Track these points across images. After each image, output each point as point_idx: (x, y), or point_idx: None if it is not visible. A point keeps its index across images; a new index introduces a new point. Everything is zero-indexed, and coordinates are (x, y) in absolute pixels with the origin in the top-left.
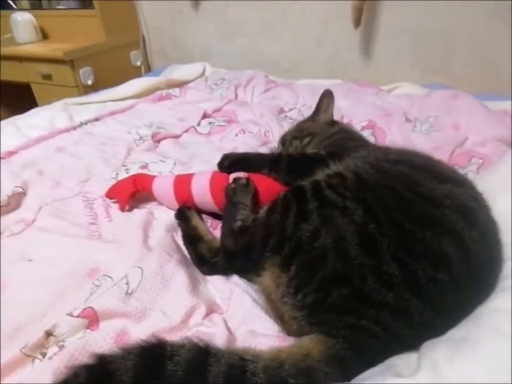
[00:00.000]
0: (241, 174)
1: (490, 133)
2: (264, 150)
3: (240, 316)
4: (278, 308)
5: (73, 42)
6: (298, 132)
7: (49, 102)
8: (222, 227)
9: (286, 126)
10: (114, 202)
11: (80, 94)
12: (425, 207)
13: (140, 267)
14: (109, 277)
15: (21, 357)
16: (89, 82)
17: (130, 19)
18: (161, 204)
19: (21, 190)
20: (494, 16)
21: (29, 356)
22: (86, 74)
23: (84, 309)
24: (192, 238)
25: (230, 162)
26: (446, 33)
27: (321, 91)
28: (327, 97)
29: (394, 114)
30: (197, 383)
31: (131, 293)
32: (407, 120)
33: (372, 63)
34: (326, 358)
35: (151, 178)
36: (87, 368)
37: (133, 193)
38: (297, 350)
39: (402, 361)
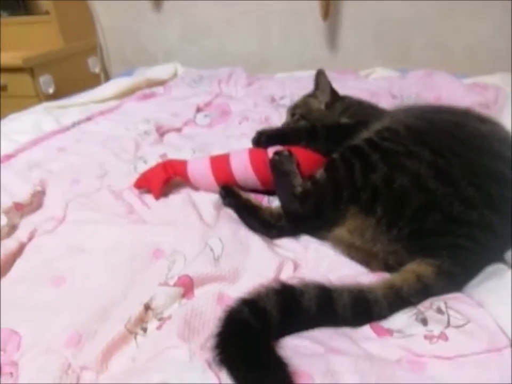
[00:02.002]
0: (278, 148)
1: (470, 100)
2: None
3: (325, 266)
4: (368, 249)
5: (26, 50)
6: (307, 113)
7: (4, 115)
8: (279, 196)
9: (283, 112)
10: (144, 191)
11: None
12: (477, 141)
13: (216, 237)
14: (181, 252)
15: (125, 333)
16: (51, 91)
17: (88, 23)
18: (195, 187)
19: (39, 188)
20: (443, 4)
21: (131, 333)
22: (46, 83)
23: (179, 277)
24: (250, 209)
25: (266, 138)
26: (404, 23)
27: (304, 81)
28: (321, 76)
29: (380, 93)
30: (328, 315)
31: (218, 259)
32: (394, 97)
33: (338, 55)
34: (438, 275)
35: (183, 162)
36: (245, 305)
37: (166, 179)
38: (409, 275)
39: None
